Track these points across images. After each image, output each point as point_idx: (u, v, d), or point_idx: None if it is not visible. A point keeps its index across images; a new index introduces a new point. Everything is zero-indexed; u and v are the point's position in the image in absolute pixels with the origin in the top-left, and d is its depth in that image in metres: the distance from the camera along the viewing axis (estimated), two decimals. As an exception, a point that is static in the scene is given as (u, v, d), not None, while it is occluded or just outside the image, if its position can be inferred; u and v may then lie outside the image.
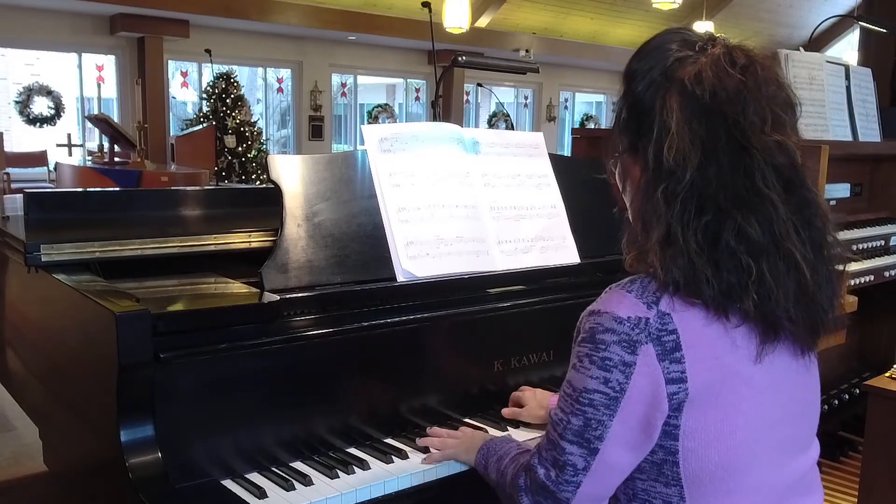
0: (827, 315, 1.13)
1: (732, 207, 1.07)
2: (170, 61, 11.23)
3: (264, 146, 11.28)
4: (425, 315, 1.64)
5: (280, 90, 12.80)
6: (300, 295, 1.54)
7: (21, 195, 1.90)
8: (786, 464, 1.18)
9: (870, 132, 3.18)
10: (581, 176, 2.12)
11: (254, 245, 1.76)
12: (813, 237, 1.11)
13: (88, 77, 10.74)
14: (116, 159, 8.48)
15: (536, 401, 1.67)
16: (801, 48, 3.04)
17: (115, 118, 10.07)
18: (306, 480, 1.38)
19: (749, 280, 1.06)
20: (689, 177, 1.07)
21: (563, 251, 1.89)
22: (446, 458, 1.47)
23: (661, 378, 1.07)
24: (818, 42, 13.63)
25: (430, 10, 5.55)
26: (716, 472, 1.10)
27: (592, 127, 14.65)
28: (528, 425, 1.66)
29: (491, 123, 14.87)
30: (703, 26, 10.61)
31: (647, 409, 1.08)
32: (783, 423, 1.16)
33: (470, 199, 1.77)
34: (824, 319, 1.13)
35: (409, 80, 14.26)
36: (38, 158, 10.19)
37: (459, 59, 2.71)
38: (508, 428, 1.64)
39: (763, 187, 1.08)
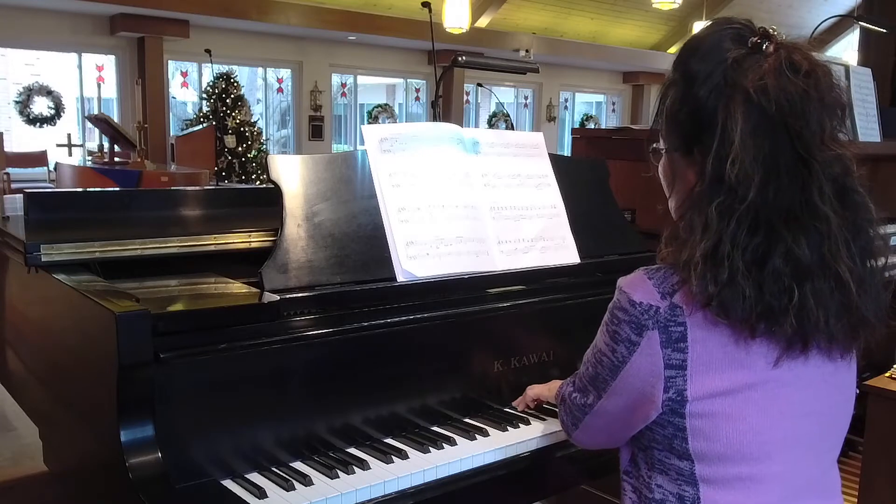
0: (871, 321, 1.14)
1: (784, 228, 1.06)
2: (170, 61, 11.23)
3: (264, 146, 11.27)
4: (425, 315, 1.64)
5: (280, 90, 12.79)
6: (300, 295, 1.54)
7: (21, 195, 1.89)
8: (808, 460, 1.18)
9: (870, 132, 3.17)
10: (581, 176, 2.13)
11: (254, 245, 1.76)
12: (863, 246, 1.12)
13: (88, 77, 10.74)
14: (116, 159, 8.47)
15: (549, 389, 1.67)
16: (801, 48, 3.03)
17: (115, 118, 10.07)
18: (306, 480, 1.38)
19: (790, 304, 1.06)
20: (750, 197, 1.06)
21: (562, 251, 1.89)
22: (533, 397, 1.68)
23: (661, 362, 1.13)
24: (818, 42, 13.63)
25: (430, 11, 5.55)
26: (726, 454, 1.13)
27: (592, 127, 14.64)
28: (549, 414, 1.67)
29: (491, 123, 14.87)
30: (703, 26, 10.60)
31: (643, 385, 1.16)
32: (808, 420, 1.16)
33: (470, 199, 1.77)
34: (868, 325, 1.14)
35: (409, 81, 14.26)
36: (38, 158, 10.19)
37: (459, 59, 2.71)
38: (508, 428, 1.64)
39: (819, 203, 1.07)
